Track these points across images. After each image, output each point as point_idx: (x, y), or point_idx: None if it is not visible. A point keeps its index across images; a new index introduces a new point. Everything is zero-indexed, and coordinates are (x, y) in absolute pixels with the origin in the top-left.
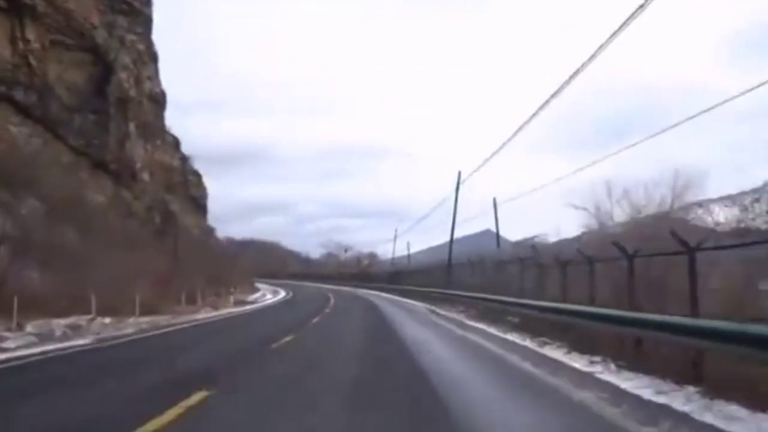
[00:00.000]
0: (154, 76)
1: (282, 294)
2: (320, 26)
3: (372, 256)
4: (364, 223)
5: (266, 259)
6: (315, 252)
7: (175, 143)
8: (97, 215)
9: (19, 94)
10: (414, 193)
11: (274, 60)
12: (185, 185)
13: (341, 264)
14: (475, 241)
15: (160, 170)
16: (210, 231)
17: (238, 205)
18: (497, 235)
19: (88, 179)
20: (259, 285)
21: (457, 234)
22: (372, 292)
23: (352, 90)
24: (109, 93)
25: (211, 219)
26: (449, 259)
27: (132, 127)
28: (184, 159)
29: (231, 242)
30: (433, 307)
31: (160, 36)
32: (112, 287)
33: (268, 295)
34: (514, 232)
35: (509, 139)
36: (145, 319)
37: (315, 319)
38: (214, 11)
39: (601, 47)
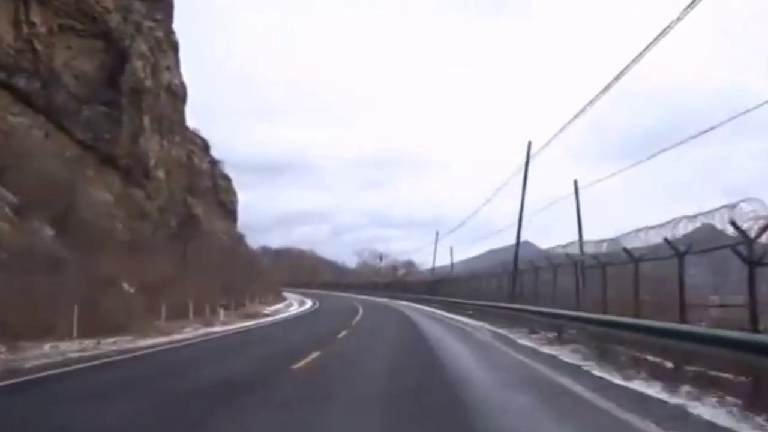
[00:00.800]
0: (174, 66)
1: (305, 306)
2: (358, 33)
3: (409, 264)
4: (404, 234)
5: (300, 268)
6: (351, 261)
7: (205, 146)
8: (83, 214)
9: (21, 82)
10: (453, 204)
11: (313, 69)
12: (214, 189)
13: (376, 273)
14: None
15: (178, 168)
16: (239, 238)
17: (279, 214)
18: (581, 240)
19: (94, 176)
20: (287, 294)
21: (493, 245)
22: (409, 304)
23: (393, 98)
24: (122, 83)
25: (252, 227)
26: (515, 262)
27: (146, 120)
28: (214, 162)
29: (267, 251)
30: (501, 330)
31: (199, 45)
32: (60, 298)
33: (292, 306)
34: (543, 240)
35: (549, 141)
36: (71, 346)
37: (314, 354)
38: (254, 20)
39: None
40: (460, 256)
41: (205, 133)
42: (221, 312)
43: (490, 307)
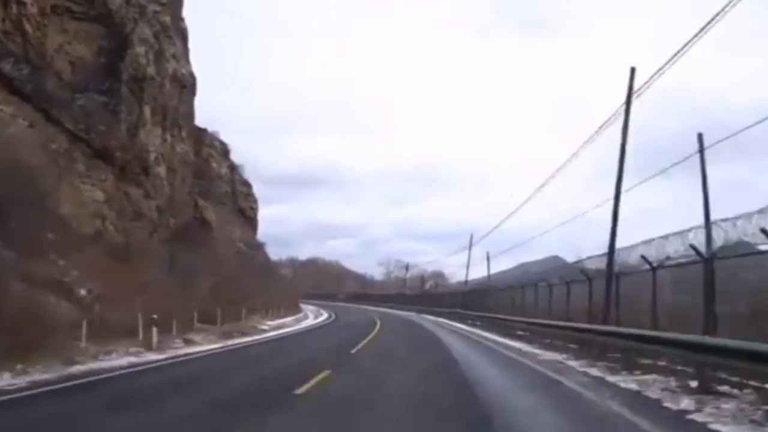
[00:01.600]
0: (182, 55)
1: (316, 320)
2: (393, 47)
3: (438, 275)
4: (433, 248)
5: (325, 280)
6: (378, 273)
7: (224, 150)
8: (63, 210)
9: (6, 67)
10: (484, 220)
11: (348, 83)
12: (233, 195)
13: (403, 285)
14: (543, 265)
15: (182, 166)
16: (258, 246)
17: (310, 227)
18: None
19: (84, 170)
20: (305, 307)
21: (525, 258)
22: (439, 320)
23: (426, 112)
24: (122, 71)
25: (282, 240)
26: (609, 267)
27: (147, 111)
28: (233, 167)
29: (294, 261)
30: (615, 379)
31: (228, 57)
32: None
33: (302, 320)
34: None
35: (578, 150)
36: None
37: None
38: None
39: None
40: (490, 270)
41: (225, 137)
42: (154, 331)
43: (555, 329)
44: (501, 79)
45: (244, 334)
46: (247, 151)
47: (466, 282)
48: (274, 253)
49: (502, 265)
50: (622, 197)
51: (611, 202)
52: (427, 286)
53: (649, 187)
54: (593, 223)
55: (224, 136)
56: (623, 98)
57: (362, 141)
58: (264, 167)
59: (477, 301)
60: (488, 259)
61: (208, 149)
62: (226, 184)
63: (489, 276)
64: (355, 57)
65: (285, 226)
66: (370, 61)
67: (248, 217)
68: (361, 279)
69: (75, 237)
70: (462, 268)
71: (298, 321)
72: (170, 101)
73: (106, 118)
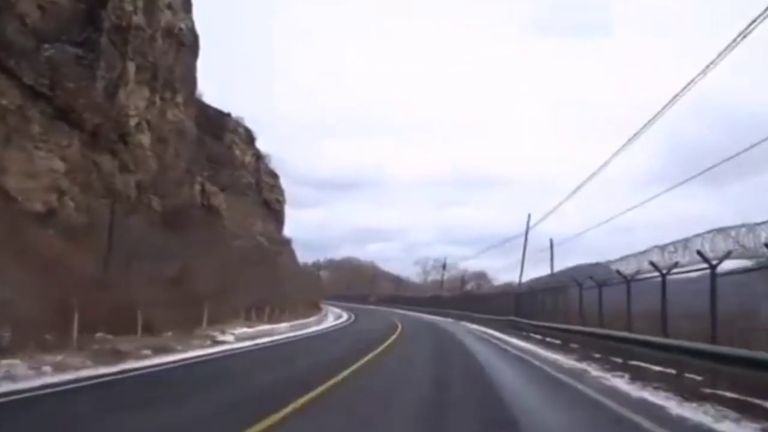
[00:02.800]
0: (180, 7)
1: (323, 325)
2: (435, 51)
3: (480, 276)
4: (475, 253)
5: (358, 281)
6: (415, 274)
7: (249, 137)
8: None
9: None
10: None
11: (392, 87)
12: (257, 186)
13: (438, 287)
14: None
15: (177, 137)
16: (284, 242)
17: (352, 230)
18: None
19: (41, 133)
20: (326, 309)
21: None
22: (487, 332)
23: (472, 116)
24: (104, 18)
25: (323, 244)
26: None
27: (132, 68)
28: (259, 156)
29: (331, 263)
30: None
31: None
32: None
33: (301, 328)
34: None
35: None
36: None
37: None
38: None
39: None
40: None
41: (250, 124)
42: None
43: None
44: (546, 81)
45: (155, 353)
46: (288, 154)
47: (519, 282)
48: (312, 257)
49: (535, 272)
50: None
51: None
52: (468, 287)
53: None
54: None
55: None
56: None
57: (405, 146)
58: (304, 170)
59: (539, 306)
60: (551, 246)
61: (231, 135)
62: (250, 174)
63: (553, 270)
64: (396, 58)
65: (325, 230)
66: (411, 62)
67: (274, 210)
68: (395, 280)
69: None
70: (506, 272)
71: (295, 329)
72: (162, 59)
73: (78, 74)
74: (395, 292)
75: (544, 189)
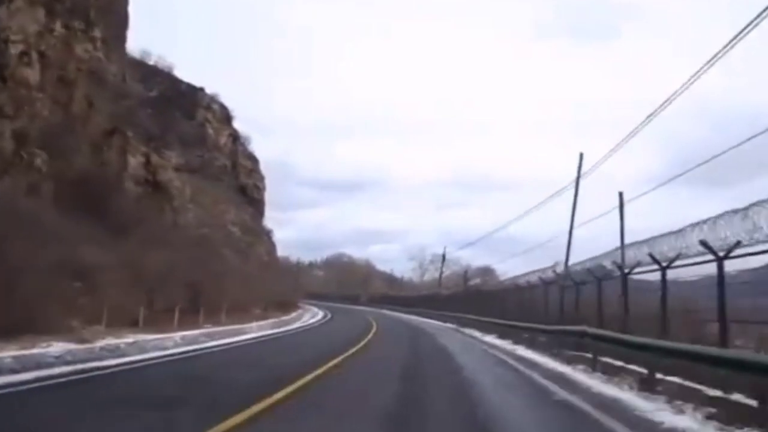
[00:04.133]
0: None
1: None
2: (439, 53)
3: (485, 271)
4: (476, 255)
5: (349, 281)
6: (409, 270)
7: (225, 116)
8: None
9: None
10: (532, 227)
11: (394, 89)
12: (234, 170)
13: (436, 285)
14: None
15: (93, 84)
16: (263, 233)
17: (353, 231)
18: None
19: None
20: (302, 311)
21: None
22: (515, 353)
23: (473, 119)
24: None
25: (326, 244)
26: None
27: None
28: (236, 137)
29: (325, 262)
30: None
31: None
32: None
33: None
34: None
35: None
36: None
37: None
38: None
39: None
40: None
41: (229, 102)
42: None
43: None
44: (548, 83)
45: None
46: (291, 156)
47: (567, 265)
48: (312, 257)
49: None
50: None
51: None
52: (473, 283)
53: None
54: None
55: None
56: None
57: (409, 146)
58: (306, 172)
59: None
60: (571, 225)
61: (204, 112)
62: (226, 156)
63: (623, 238)
64: (400, 61)
65: (327, 231)
66: (415, 64)
67: (252, 198)
68: (390, 279)
69: None
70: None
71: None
72: None
73: None
74: (388, 292)
75: (547, 191)
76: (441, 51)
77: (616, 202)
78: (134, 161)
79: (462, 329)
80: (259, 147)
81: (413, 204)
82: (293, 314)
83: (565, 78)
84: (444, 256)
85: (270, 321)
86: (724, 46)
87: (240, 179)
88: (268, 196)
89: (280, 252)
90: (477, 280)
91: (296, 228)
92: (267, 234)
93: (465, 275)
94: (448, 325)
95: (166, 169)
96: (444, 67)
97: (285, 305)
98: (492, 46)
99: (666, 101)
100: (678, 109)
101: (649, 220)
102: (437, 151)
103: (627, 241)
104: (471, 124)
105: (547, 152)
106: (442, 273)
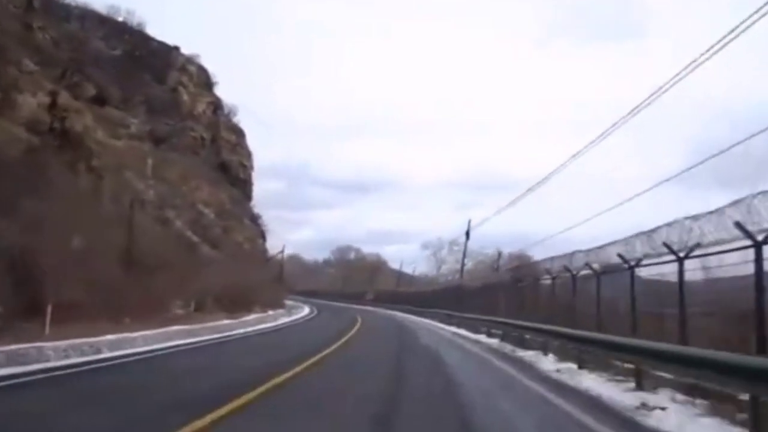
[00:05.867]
0: None
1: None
2: (452, 53)
3: (521, 257)
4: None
5: (354, 277)
6: (423, 262)
7: (205, 82)
8: None
9: None
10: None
11: (408, 88)
12: (213, 143)
13: (454, 278)
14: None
15: None
16: (250, 218)
17: (370, 232)
18: None
19: None
20: (277, 313)
21: None
22: None
23: (489, 118)
24: None
25: (343, 244)
26: None
27: None
28: (218, 107)
29: (339, 259)
30: None
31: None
32: None
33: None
34: None
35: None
36: None
37: None
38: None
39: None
40: None
41: (209, 65)
42: None
43: None
44: (565, 83)
45: None
46: (309, 155)
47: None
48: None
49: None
50: None
51: None
52: (508, 267)
53: None
54: None
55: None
56: None
57: (424, 148)
58: (324, 172)
59: None
60: None
61: (178, 75)
62: (204, 127)
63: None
64: (420, 64)
65: (344, 231)
66: (434, 67)
67: (235, 177)
68: (401, 275)
69: None
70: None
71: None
72: None
73: None
74: (396, 288)
75: (566, 189)
76: (458, 51)
77: None
78: (31, 101)
79: (538, 364)
80: (272, 146)
81: (431, 204)
82: (248, 318)
83: (583, 77)
84: (468, 233)
85: (174, 329)
86: (716, 42)
87: (221, 155)
88: (283, 198)
89: (297, 251)
90: (516, 263)
91: (313, 228)
92: (254, 219)
93: (498, 259)
94: (492, 341)
95: (82, 115)
96: (463, 68)
97: (248, 304)
98: (509, 45)
99: (647, 98)
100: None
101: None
102: (456, 151)
103: None
104: (490, 124)
105: (567, 151)
106: (465, 257)
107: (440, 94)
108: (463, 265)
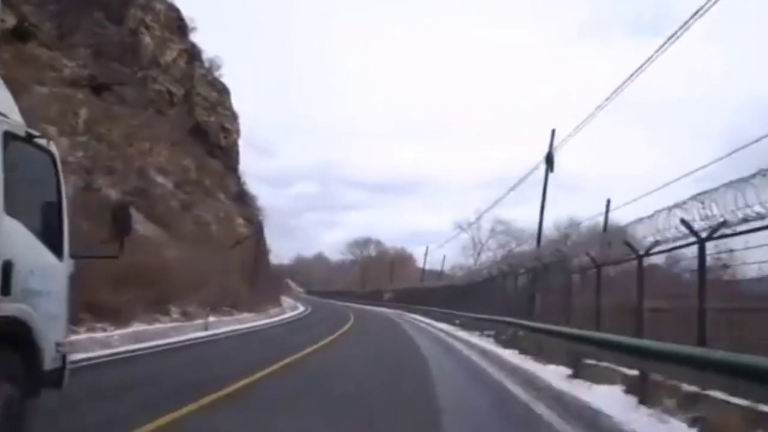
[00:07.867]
0: None
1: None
2: (480, 56)
3: (569, 232)
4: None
5: (380, 271)
6: (456, 251)
7: (177, 25)
8: None
9: None
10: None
11: (441, 91)
12: (186, 101)
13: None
14: None
15: None
16: (236, 196)
17: (402, 233)
18: None
19: None
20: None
21: None
22: None
23: (527, 116)
24: None
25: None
26: None
27: None
28: (193, 56)
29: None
30: None
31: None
32: None
33: None
34: None
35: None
36: None
37: None
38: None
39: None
40: None
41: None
42: None
43: None
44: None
45: None
46: (343, 156)
47: None
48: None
49: None
50: None
51: None
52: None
53: None
54: None
55: None
56: None
57: (454, 149)
58: (356, 173)
59: None
60: None
61: (139, 13)
62: (175, 81)
63: None
64: (452, 67)
65: (375, 232)
66: (465, 70)
67: (214, 144)
68: (429, 272)
69: None
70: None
71: None
72: None
73: None
74: (417, 285)
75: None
76: (493, 53)
77: None
78: None
79: None
80: (304, 149)
81: (463, 204)
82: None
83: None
84: (550, 157)
85: None
86: (686, 22)
87: (194, 114)
88: (316, 199)
89: (327, 252)
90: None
91: (344, 229)
92: (243, 198)
93: (565, 235)
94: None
95: None
96: (490, 70)
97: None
98: (539, 45)
99: (626, 80)
100: None
101: None
102: (488, 151)
103: None
104: (521, 123)
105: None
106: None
107: (479, 93)
108: (541, 224)
